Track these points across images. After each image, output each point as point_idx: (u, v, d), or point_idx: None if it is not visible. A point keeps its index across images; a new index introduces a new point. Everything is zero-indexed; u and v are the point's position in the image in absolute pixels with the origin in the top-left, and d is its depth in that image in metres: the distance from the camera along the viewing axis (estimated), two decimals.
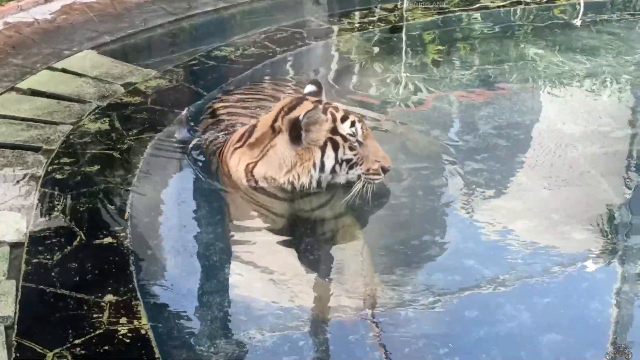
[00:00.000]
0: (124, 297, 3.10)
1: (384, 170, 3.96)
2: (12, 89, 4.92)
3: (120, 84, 5.07)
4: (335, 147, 3.93)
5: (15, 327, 2.94)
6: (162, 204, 4.03)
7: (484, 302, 3.30)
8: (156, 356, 2.81)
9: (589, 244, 3.71)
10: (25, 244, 3.42)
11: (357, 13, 6.70)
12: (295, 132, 3.90)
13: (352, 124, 3.96)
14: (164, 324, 3.10)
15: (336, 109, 4.03)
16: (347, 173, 3.96)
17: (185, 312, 3.22)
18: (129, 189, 3.91)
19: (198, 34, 6.13)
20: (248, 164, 4.02)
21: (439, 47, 6.22)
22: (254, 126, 4.10)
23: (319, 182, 3.97)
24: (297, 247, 3.73)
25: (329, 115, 3.95)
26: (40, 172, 3.99)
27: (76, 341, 2.85)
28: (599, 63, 5.82)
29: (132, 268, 3.29)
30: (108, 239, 3.48)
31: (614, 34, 6.42)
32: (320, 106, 3.97)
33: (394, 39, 6.32)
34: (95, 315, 2.99)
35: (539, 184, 4.21)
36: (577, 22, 6.77)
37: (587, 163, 4.41)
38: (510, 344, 3.07)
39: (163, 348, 2.88)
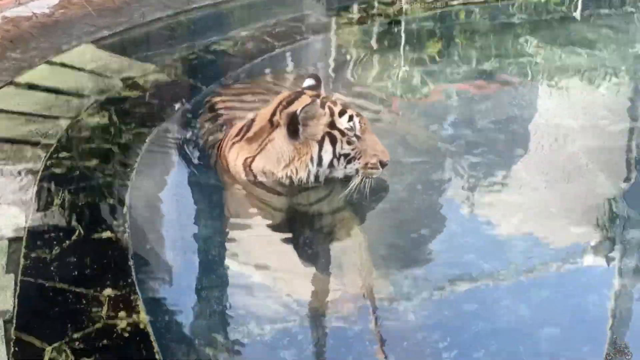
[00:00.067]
0: (123, 292, 3.10)
1: (382, 164, 3.96)
2: (11, 83, 4.91)
3: (118, 78, 5.06)
4: (333, 142, 3.93)
5: (14, 321, 2.94)
6: (161, 198, 4.03)
7: (483, 296, 3.30)
8: (155, 350, 2.81)
9: (588, 238, 3.72)
10: (24, 238, 3.42)
11: (355, 7, 6.69)
12: (293, 127, 3.90)
13: (350, 118, 3.96)
14: (163, 318, 3.11)
15: (334, 103, 4.03)
16: (345, 167, 3.96)
17: (184, 306, 3.22)
18: (128, 183, 3.91)
19: (197, 28, 6.12)
20: (246, 158, 4.02)
21: (438, 41, 6.21)
22: (253, 120, 4.10)
23: (316, 177, 3.97)
24: (296, 241, 3.73)
25: (326, 110, 3.95)
26: (39, 166, 3.98)
27: (75, 335, 2.86)
28: (597, 57, 5.82)
29: (131, 262, 3.29)
30: (107, 234, 3.48)
31: (613, 27, 6.42)
32: (318, 100, 3.96)
33: (393, 32, 6.31)
34: (94, 310, 2.99)
35: (537, 177, 4.21)
36: (577, 15, 6.77)
37: (586, 157, 4.41)
38: (509, 338, 3.08)
39: (162, 342, 2.88)
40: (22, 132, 4.31)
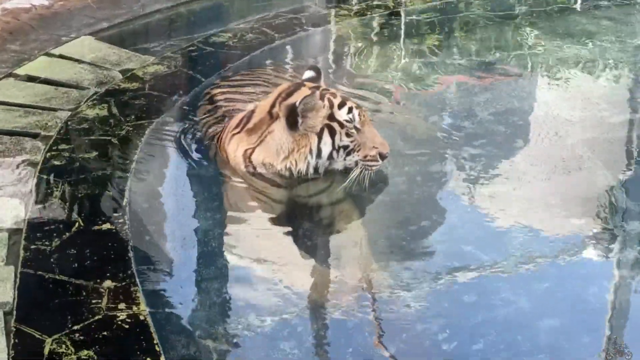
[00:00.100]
0: (123, 283, 3.10)
1: (382, 156, 3.95)
2: (10, 75, 4.91)
3: (118, 70, 5.06)
4: (332, 134, 3.93)
5: (14, 313, 2.94)
6: (160, 190, 4.03)
7: (482, 288, 3.30)
8: (155, 342, 2.81)
9: (587, 229, 3.72)
10: (24, 230, 3.42)
11: None
12: (292, 118, 3.89)
13: (350, 110, 3.95)
14: (163, 310, 3.11)
15: (334, 95, 4.02)
16: (345, 159, 3.96)
17: (183, 297, 3.22)
18: (127, 175, 3.90)
19: (196, 20, 6.12)
20: (246, 150, 4.02)
21: (437, 33, 6.20)
22: (252, 112, 4.10)
23: (316, 169, 3.97)
24: (296, 233, 3.73)
25: (326, 102, 3.95)
26: (39, 158, 3.98)
27: (75, 327, 2.86)
28: (598, 48, 5.81)
29: (131, 254, 3.29)
30: (106, 225, 3.48)
31: (613, 19, 6.41)
32: (318, 92, 3.96)
33: (392, 24, 6.30)
34: (94, 301, 3.00)
35: (537, 169, 4.21)
36: (577, 6, 6.76)
37: (586, 148, 4.41)
38: (508, 329, 3.08)
39: (162, 333, 2.88)
40: (21, 124, 4.30)
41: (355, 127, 3.94)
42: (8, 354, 2.74)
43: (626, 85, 5.34)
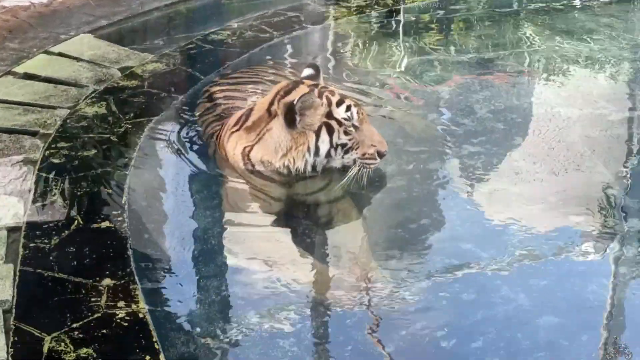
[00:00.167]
0: (122, 281, 3.10)
1: (380, 154, 3.95)
2: (9, 73, 4.91)
3: (117, 68, 5.06)
4: (330, 132, 3.92)
5: (13, 311, 2.95)
6: (159, 188, 4.03)
7: (481, 285, 3.30)
8: (154, 340, 2.81)
9: (586, 227, 3.71)
10: (23, 228, 3.42)
11: None
12: (290, 116, 3.89)
13: (348, 108, 3.95)
14: (162, 308, 3.11)
15: (332, 92, 4.01)
16: (343, 157, 3.96)
17: (182, 295, 3.22)
18: (126, 173, 3.90)
19: (195, 18, 6.12)
20: (245, 148, 4.02)
21: (437, 30, 6.20)
22: (251, 110, 4.10)
23: (314, 167, 3.97)
24: (294, 230, 3.73)
25: (324, 100, 3.94)
26: (38, 156, 3.98)
27: (74, 325, 2.86)
28: (597, 46, 5.81)
29: (130, 252, 3.30)
30: (105, 223, 3.48)
31: (613, 16, 6.40)
32: (316, 90, 3.96)
33: (391, 21, 6.30)
34: (93, 299, 3.00)
35: (536, 167, 4.21)
36: (577, 3, 6.76)
37: (585, 146, 4.41)
38: (507, 327, 3.08)
39: (161, 331, 2.88)
40: (20, 122, 4.31)
41: (353, 125, 3.94)
42: (7, 352, 2.74)
43: (626, 83, 5.33)
